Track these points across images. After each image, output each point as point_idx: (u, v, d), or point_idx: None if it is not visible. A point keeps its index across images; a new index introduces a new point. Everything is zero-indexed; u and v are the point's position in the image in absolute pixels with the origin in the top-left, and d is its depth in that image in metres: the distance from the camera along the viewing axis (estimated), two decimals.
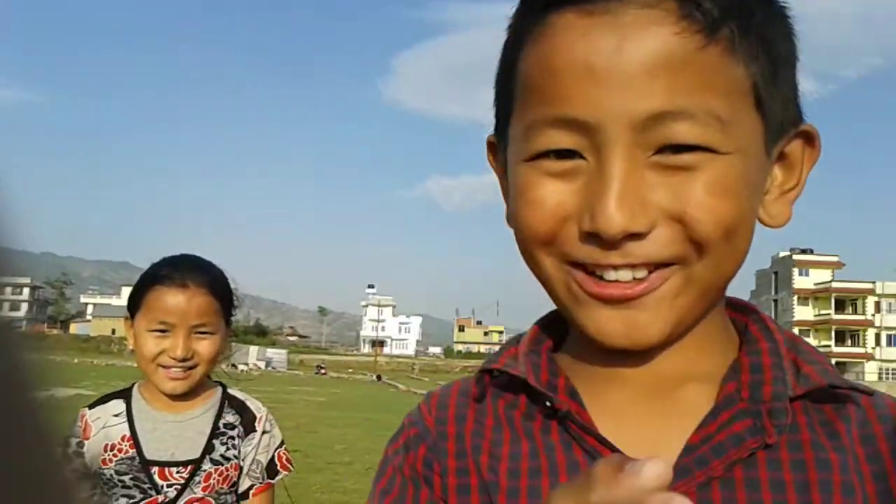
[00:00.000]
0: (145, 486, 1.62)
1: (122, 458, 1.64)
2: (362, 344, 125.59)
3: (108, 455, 1.64)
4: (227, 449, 1.70)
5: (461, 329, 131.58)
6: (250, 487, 1.74)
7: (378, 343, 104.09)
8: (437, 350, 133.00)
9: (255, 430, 1.75)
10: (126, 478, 1.61)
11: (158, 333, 1.62)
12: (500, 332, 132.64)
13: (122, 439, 1.66)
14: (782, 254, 75.73)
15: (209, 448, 1.67)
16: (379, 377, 50.32)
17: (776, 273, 75.56)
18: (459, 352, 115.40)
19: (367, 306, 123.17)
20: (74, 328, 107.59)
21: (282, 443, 1.82)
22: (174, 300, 1.61)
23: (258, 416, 1.78)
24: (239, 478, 1.73)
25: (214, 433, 1.70)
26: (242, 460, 1.72)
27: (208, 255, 1.78)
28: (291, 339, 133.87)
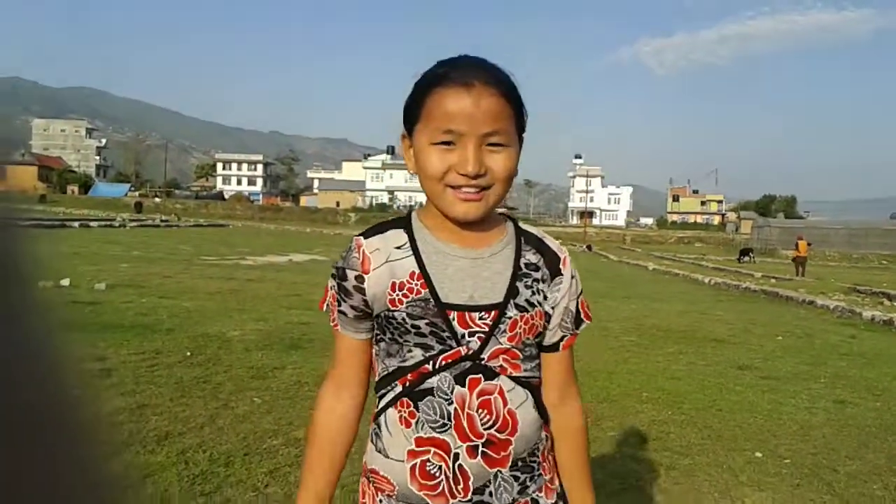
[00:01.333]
0: (444, 335, 1.36)
1: (414, 300, 1.37)
2: (570, 216, 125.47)
3: (398, 295, 1.38)
4: (533, 294, 1.43)
5: (675, 199, 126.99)
6: (561, 339, 1.48)
7: (587, 214, 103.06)
8: (648, 221, 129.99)
9: (562, 274, 1.48)
10: (421, 323, 1.36)
11: (444, 146, 1.36)
12: (719, 202, 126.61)
13: (412, 277, 1.39)
14: None
15: (513, 291, 1.40)
16: (590, 247, 49.79)
17: None
18: (674, 222, 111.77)
19: (574, 177, 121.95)
20: (304, 201, 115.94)
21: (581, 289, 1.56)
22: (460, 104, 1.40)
23: (561, 256, 1.50)
24: (545, 328, 1.46)
25: (517, 274, 1.42)
26: (552, 307, 1.46)
27: None
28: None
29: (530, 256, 1.47)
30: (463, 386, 1.35)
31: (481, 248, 1.41)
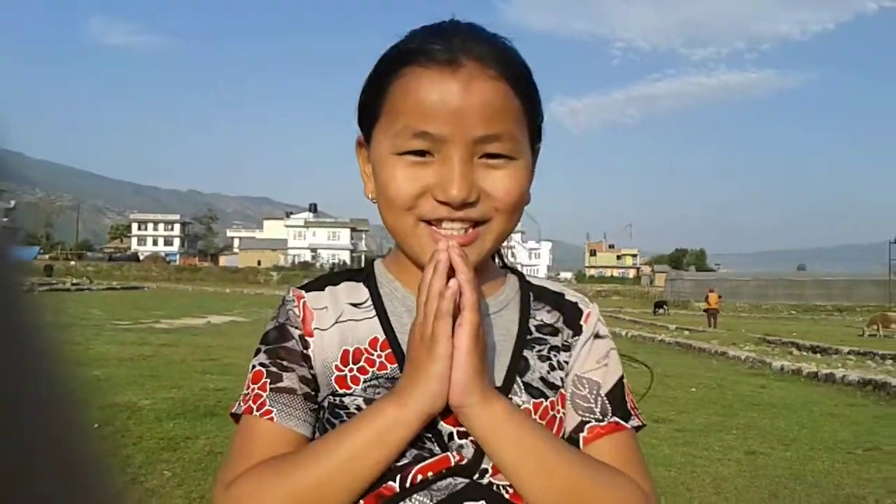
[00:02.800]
0: (422, 434, 0.89)
1: (377, 378, 0.93)
2: None
3: (351, 370, 0.94)
4: (551, 369, 0.98)
5: (593, 253, 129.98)
6: (581, 427, 0.97)
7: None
8: (568, 275, 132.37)
9: (581, 333, 1.03)
10: None
11: (415, 158, 0.98)
12: (634, 256, 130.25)
13: (373, 345, 0.95)
14: None
15: (519, 366, 0.97)
16: None
17: None
18: (592, 276, 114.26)
19: (507, 248, 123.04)
20: (223, 261, 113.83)
21: None
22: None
23: (585, 311, 1.06)
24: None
25: (524, 341, 0.99)
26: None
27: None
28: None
29: (544, 316, 1.02)
30: None
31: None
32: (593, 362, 1.00)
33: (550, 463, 0.86)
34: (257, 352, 0.97)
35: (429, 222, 0.90)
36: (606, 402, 0.97)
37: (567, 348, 1.00)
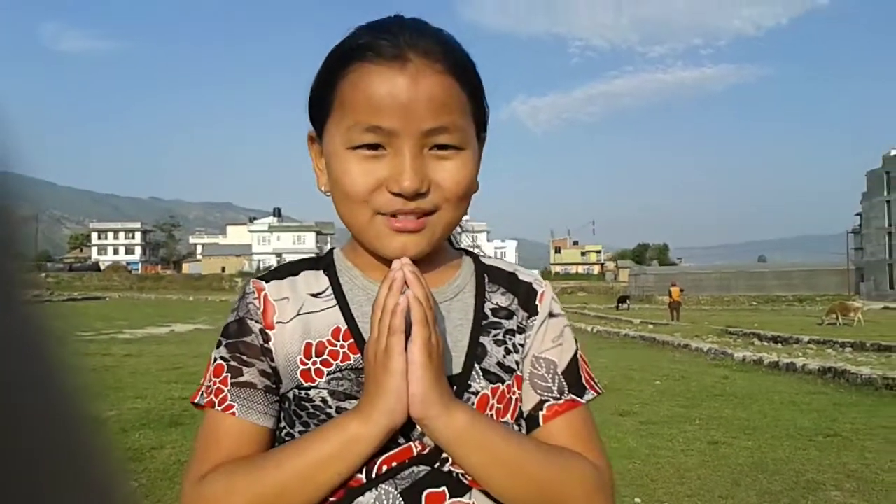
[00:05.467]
0: None
1: (340, 370, 0.95)
2: None
3: (315, 363, 0.95)
4: (507, 353, 1.00)
5: (557, 251, 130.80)
6: (539, 406, 1.01)
7: None
8: (534, 273, 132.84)
9: (537, 313, 1.06)
10: (351, 406, 0.92)
11: (367, 151, 1.00)
12: (598, 252, 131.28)
13: (336, 335, 0.97)
14: (894, 152, 71.06)
15: (476, 352, 0.99)
16: None
17: (888, 172, 70.91)
18: (557, 273, 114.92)
19: (461, 233, 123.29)
20: (186, 268, 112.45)
21: None
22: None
23: (539, 290, 1.08)
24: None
25: (480, 327, 1.01)
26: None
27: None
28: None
29: (499, 299, 1.05)
30: None
31: (435, 288, 0.99)
32: (549, 342, 1.03)
33: (514, 462, 0.90)
34: (219, 343, 0.99)
35: (384, 214, 0.92)
36: (563, 380, 1.01)
37: (522, 330, 1.03)
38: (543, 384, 1.00)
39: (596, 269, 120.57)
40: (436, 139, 0.91)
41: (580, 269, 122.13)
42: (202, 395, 0.96)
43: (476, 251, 1.15)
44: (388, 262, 0.94)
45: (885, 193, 70.54)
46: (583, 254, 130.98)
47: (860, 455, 6.11)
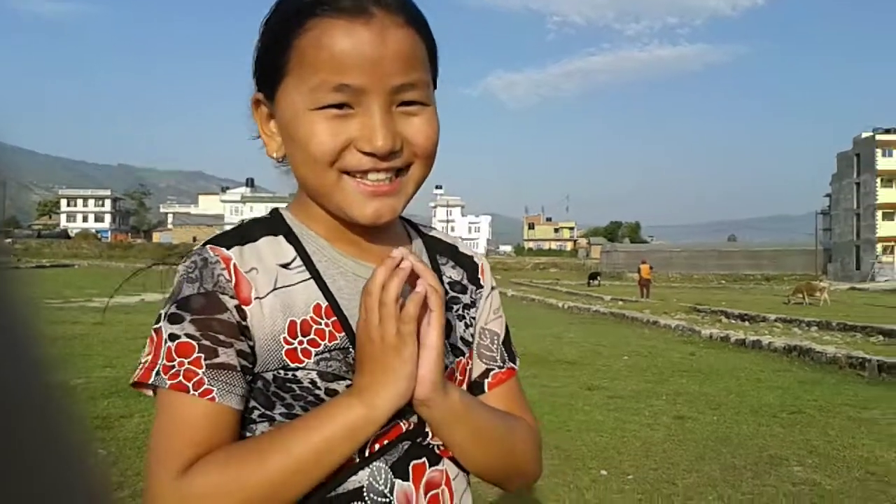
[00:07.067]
0: None
1: (328, 350, 0.90)
2: None
3: (301, 342, 0.90)
4: (466, 326, 1.03)
5: (531, 227, 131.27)
6: (485, 374, 1.06)
7: None
8: (507, 248, 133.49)
9: (482, 286, 1.09)
10: (341, 387, 0.90)
11: (335, 111, 0.96)
12: (571, 228, 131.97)
13: (318, 312, 0.91)
14: (864, 134, 71.90)
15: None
16: None
17: (858, 155, 71.87)
18: (530, 249, 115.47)
19: (435, 207, 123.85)
20: (157, 237, 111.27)
21: None
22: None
23: (479, 264, 1.11)
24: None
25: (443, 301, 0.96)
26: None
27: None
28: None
29: (451, 273, 1.06)
30: (406, 479, 0.92)
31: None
32: (492, 313, 1.08)
33: (488, 433, 0.96)
34: (176, 318, 0.87)
35: (353, 175, 0.88)
36: (503, 349, 1.08)
37: (474, 304, 1.06)
38: (489, 353, 1.06)
39: (569, 246, 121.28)
40: (403, 96, 0.88)
41: (553, 246, 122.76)
42: (159, 376, 0.84)
43: (442, 225, 1.17)
44: (353, 228, 0.94)
45: (855, 176, 71.62)
46: (556, 230, 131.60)
47: (823, 432, 6.25)
